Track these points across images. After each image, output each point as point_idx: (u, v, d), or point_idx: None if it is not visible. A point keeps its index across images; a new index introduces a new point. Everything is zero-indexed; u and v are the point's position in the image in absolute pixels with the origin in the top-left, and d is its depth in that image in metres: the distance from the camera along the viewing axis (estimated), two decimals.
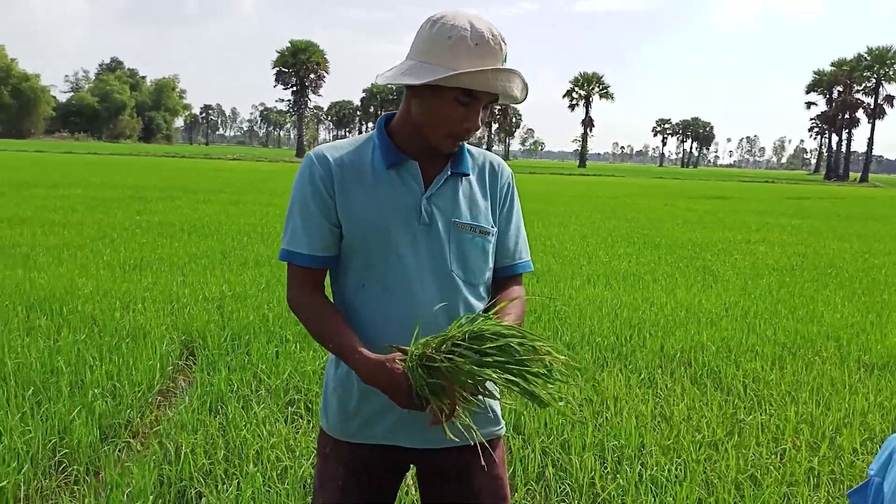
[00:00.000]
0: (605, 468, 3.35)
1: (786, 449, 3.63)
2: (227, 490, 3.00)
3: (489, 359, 1.38)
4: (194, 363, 4.75)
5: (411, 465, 1.75)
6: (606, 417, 3.91)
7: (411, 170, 1.60)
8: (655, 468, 3.33)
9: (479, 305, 1.66)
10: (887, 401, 4.42)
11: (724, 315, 6.56)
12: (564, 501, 3.08)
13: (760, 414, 4.12)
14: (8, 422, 3.43)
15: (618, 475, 3.25)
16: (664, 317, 6.32)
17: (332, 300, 1.68)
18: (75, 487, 3.07)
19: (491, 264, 1.70)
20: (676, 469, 3.33)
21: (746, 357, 5.22)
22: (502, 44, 1.52)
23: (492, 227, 1.68)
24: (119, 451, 3.40)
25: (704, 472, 3.33)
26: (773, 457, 3.56)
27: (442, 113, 1.53)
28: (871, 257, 11.35)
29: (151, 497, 2.91)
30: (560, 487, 3.16)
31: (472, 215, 1.64)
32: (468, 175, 1.66)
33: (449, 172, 1.63)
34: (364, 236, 1.59)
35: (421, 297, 1.57)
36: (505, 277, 1.75)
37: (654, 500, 3.04)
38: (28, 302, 5.81)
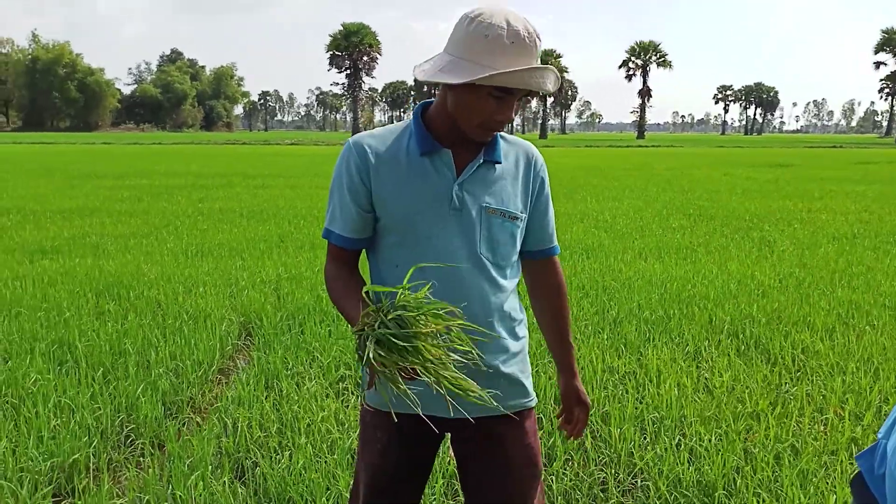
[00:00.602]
0: (645, 439, 3.42)
1: (829, 419, 3.62)
2: (279, 461, 3.18)
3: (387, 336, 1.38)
4: (251, 343, 4.98)
5: (447, 434, 1.86)
6: (648, 390, 3.96)
7: (444, 157, 1.69)
8: (694, 438, 3.38)
9: (505, 284, 1.76)
10: None
11: (778, 286, 6.48)
12: (603, 471, 3.16)
13: (806, 385, 4.11)
14: (80, 400, 3.69)
15: (656, 445, 3.31)
16: (714, 289, 6.28)
17: (368, 277, 1.79)
18: (141, 459, 3.29)
19: (518, 247, 1.79)
20: (716, 439, 3.37)
21: (797, 328, 5.17)
22: (537, 41, 1.58)
23: (521, 212, 1.76)
24: (182, 425, 3.63)
25: (744, 442, 3.36)
26: (816, 426, 3.57)
27: (477, 107, 1.60)
28: None
29: (210, 467, 3.11)
30: (599, 457, 3.25)
31: (502, 201, 1.72)
32: (500, 163, 1.74)
33: (482, 160, 1.71)
34: (398, 220, 1.68)
35: (450, 277, 1.66)
36: (537, 260, 1.87)
37: (690, 468, 3.10)
38: (97, 288, 6.15)
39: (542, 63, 1.60)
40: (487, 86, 1.56)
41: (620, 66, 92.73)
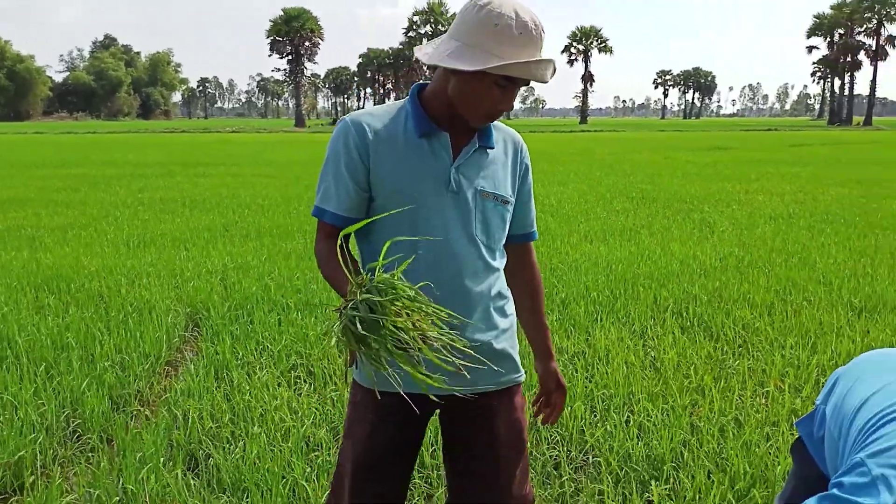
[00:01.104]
0: (595, 416, 3.49)
1: (770, 392, 3.76)
2: (233, 451, 3.15)
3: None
4: (199, 334, 4.90)
5: (436, 411, 1.88)
6: (598, 369, 4.04)
7: (442, 140, 1.71)
8: (643, 414, 3.47)
9: (496, 264, 1.81)
10: (874, 342, 4.54)
11: (718, 266, 6.67)
12: (555, 448, 3.22)
13: (747, 360, 4.25)
14: (22, 396, 3.59)
15: (606, 422, 3.39)
16: (658, 269, 6.43)
17: (361, 259, 1.81)
18: (90, 454, 3.22)
19: (507, 231, 1.85)
20: (663, 415, 3.47)
21: (737, 305, 5.34)
22: (542, 33, 1.61)
23: (511, 197, 1.82)
24: (130, 419, 3.56)
25: (690, 417, 3.47)
26: (757, 399, 3.70)
27: (483, 95, 1.62)
28: (869, 201, 11.40)
29: (162, 460, 3.07)
30: (550, 436, 3.31)
31: (495, 185, 1.77)
32: (493, 148, 1.78)
33: (476, 145, 1.75)
34: (395, 199, 1.69)
35: (446, 258, 1.71)
36: (520, 244, 1.93)
37: (640, 443, 3.18)
38: (36, 282, 5.96)
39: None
40: (494, 75, 1.58)
41: (563, 52, 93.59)
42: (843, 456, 1.36)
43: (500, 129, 1.84)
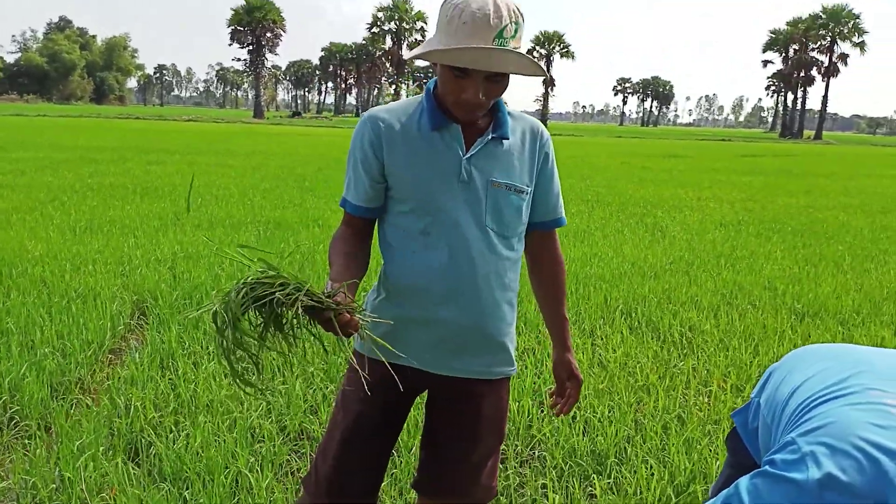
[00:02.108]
0: (542, 412, 3.52)
1: (712, 391, 3.84)
2: (175, 440, 3.10)
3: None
4: (146, 322, 4.81)
5: (426, 390, 1.96)
6: (546, 365, 4.08)
7: (454, 132, 1.75)
8: (589, 411, 3.51)
9: (509, 254, 1.83)
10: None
11: (668, 269, 6.79)
12: (503, 443, 3.23)
13: (692, 360, 4.34)
14: None
15: (553, 418, 3.42)
16: (610, 271, 6.52)
17: (379, 243, 1.90)
18: (27, 441, 3.14)
19: (525, 219, 1.87)
20: (609, 411, 3.52)
21: (685, 307, 5.44)
22: (507, 22, 1.58)
23: (527, 186, 1.83)
24: (70, 407, 3.47)
25: (635, 414, 3.52)
26: (700, 398, 3.78)
27: (444, 84, 1.68)
28: (815, 212, 11.72)
29: (102, 448, 3.00)
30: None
31: (508, 175, 1.79)
32: (508, 138, 1.80)
33: (490, 136, 1.77)
34: (408, 191, 1.77)
35: (456, 244, 1.75)
36: (544, 231, 1.95)
37: (585, 438, 3.22)
38: None
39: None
40: (448, 65, 1.62)
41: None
42: (776, 439, 1.41)
43: (519, 119, 1.87)
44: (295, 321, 1.51)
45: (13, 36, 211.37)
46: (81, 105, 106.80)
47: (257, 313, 1.46)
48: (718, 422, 3.48)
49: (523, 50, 1.63)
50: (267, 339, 1.49)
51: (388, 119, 1.78)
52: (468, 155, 1.76)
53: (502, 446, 3.15)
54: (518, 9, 1.62)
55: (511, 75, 1.68)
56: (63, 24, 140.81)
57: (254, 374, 1.54)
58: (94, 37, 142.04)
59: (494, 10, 1.56)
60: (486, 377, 1.88)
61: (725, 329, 4.94)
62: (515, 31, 1.60)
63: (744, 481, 1.22)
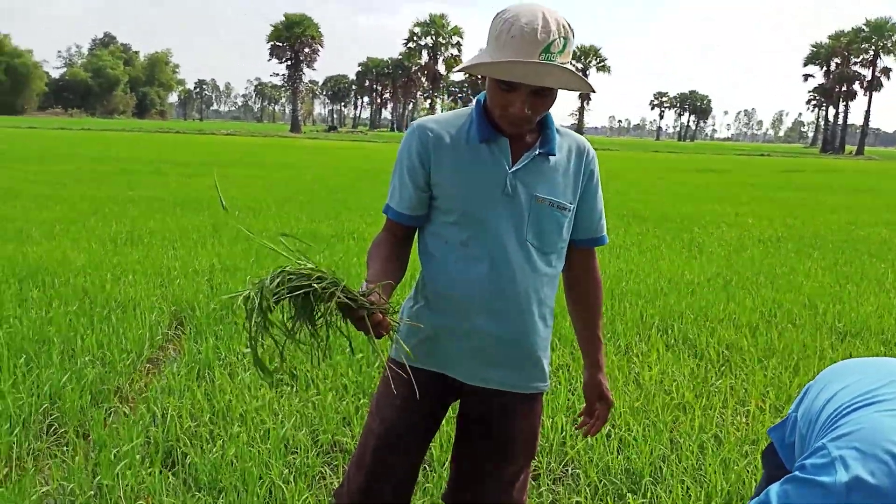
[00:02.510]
0: (576, 429, 3.48)
1: (750, 411, 3.77)
2: (211, 450, 3.13)
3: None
4: (183, 332, 4.87)
5: (458, 400, 1.96)
6: (581, 382, 4.03)
7: (501, 145, 1.76)
8: (624, 429, 3.47)
9: (547, 270, 1.84)
10: None
11: (706, 285, 6.69)
12: (536, 459, 3.21)
13: (730, 378, 4.26)
14: (1, 387, 3.55)
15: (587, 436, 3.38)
16: (646, 287, 6.45)
17: (419, 251, 1.92)
18: (66, 448, 3.19)
19: (566, 236, 1.87)
20: (644, 430, 3.47)
21: (723, 325, 5.35)
22: (555, 38, 1.57)
23: (570, 203, 1.84)
24: (108, 415, 3.52)
25: (670, 433, 3.47)
26: (738, 417, 3.71)
27: (492, 97, 1.69)
28: (857, 229, 11.48)
29: (139, 456, 3.04)
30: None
31: (552, 191, 1.79)
32: (554, 154, 1.80)
33: (537, 151, 1.78)
34: (453, 201, 1.78)
35: (497, 257, 1.76)
36: (585, 249, 1.95)
37: (620, 457, 3.18)
38: (20, 275, 5.92)
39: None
40: (495, 78, 1.64)
41: None
42: (808, 447, 1.41)
43: (566, 136, 1.87)
44: (327, 317, 1.51)
45: (59, 52, 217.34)
46: (124, 119, 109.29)
47: (290, 303, 1.47)
48: (756, 442, 3.40)
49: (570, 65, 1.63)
50: (296, 330, 1.50)
51: (436, 129, 1.80)
52: (514, 169, 1.76)
53: (534, 463, 3.13)
54: (568, 24, 1.62)
55: (556, 93, 1.68)
56: (107, 41, 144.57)
57: (276, 362, 1.56)
58: (136, 52, 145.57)
59: (543, 24, 1.56)
60: (520, 391, 1.88)
61: (764, 348, 4.85)
62: (564, 47, 1.60)
63: (774, 487, 1.23)
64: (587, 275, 1.98)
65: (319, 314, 1.50)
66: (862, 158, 62.71)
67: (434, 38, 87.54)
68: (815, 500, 1.14)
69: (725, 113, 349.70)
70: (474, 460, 1.94)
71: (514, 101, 1.64)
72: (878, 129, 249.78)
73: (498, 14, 1.64)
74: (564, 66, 1.58)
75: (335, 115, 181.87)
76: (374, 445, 1.89)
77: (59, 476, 2.89)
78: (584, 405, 2.03)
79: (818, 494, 1.14)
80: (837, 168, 37.91)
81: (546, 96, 1.66)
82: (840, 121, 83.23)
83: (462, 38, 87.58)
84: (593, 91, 1.70)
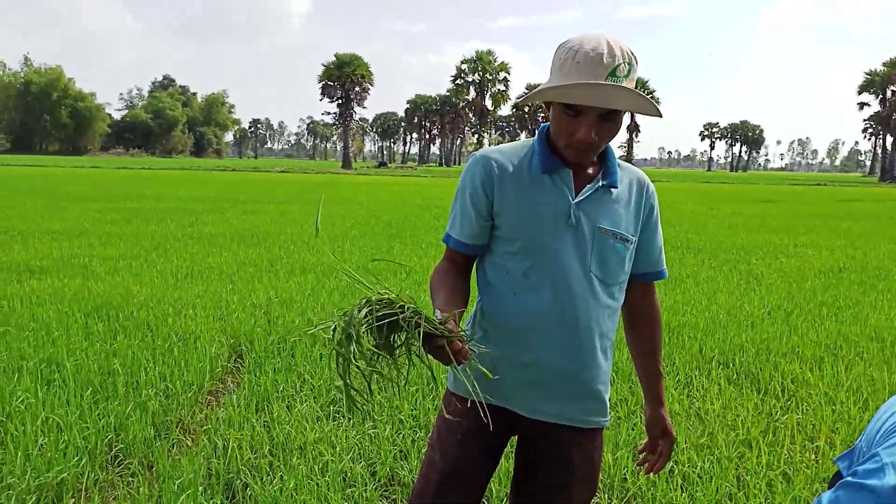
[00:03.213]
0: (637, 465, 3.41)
1: (819, 447, 3.64)
2: (271, 482, 3.15)
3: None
4: (242, 365, 4.95)
5: (517, 435, 1.94)
6: (640, 417, 3.96)
7: (564, 177, 1.77)
8: (687, 465, 3.38)
9: (609, 302, 1.83)
10: None
11: (766, 318, 6.53)
12: (596, 496, 3.15)
13: (796, 413, 4.12)
14: (67, 419, 3.65)
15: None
16: (704, 319, 6.31)
17: (477, 281, 1.92)
18: (130, 479, 3.25)
19: (627, 269, 1.86)
20: (709, 466, 3.37)
21: (786, 358, 5.20)
22: (618, 60, 1.59)
23: (632, 236, 1.83)
24: (171, 446, 3.58)
25: (736, 469, 3.36)
26: (807, 454, 3.58)
27: (558, 125, 1.69)
28: None
29: (201, 488, 3.08)
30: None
31: (615, 223, 1.79)
32: (616, 187, 1.81)
33: (600, 183, 1.79)
34: (515, 231, 1.78)
35: (560, 287, 1.75)
36: (645, 283, 1.96)
37: (684, 494, 3.09)
38: (86, 309, 6.11)
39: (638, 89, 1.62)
40: (559, 103, 1.65)
41: None
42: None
43: (627, 170, 1.87)
44: (406, 346, 1.50)
45: (121, 94, 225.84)
46: (182, 158, 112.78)
47: (373, 335, 1.47)
48: (827, 480, 3.28)
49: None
50: (376, 362, 1.50)
51: (499, 159, 1.80)
52: (577, 200, 1.76)
53: (595, 499, 3.06)
54: (632, 52, 1.63)
55: (621, 121, 1.69)
56: (167, 83, 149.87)
57: (365, 394, 1.55)
58: (194, 94, 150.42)
59: (608, 50, 1.58)
60: (580, 425, 1.85)
61: (830, 382, 4.69)
62: (629, 72, 1.60)
63: (827, 494, 1.24)
64: (647, 308, 1.97)
65: (399, 343, 1.50)
66: None
67: (481, 74, 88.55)
68: (864, 503, 1.16)
69: (778, 143, 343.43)
70: (533, 496, 1.91)
71: (581, 127, 1.64)
72: None
73: (561, 45, 1.66)
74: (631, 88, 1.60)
75: (384, 152, 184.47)
76: (436, 480, 1.87)
77: None
78: (646, 441, 1.99)
79: (867, 498, 1.15)
80: None
81: (612, 122, 1.66)
82: None
83: (509, 73, 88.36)
84: (660, 115, 1.68)
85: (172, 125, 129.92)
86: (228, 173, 50.03)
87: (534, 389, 1.80)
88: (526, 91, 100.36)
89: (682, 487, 3.17)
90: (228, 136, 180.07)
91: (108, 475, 3.28)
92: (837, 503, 1.20)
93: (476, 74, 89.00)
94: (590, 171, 1.80)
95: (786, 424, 3.95)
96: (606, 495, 3.14)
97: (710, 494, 3.06)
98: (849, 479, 1.20)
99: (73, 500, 3.03)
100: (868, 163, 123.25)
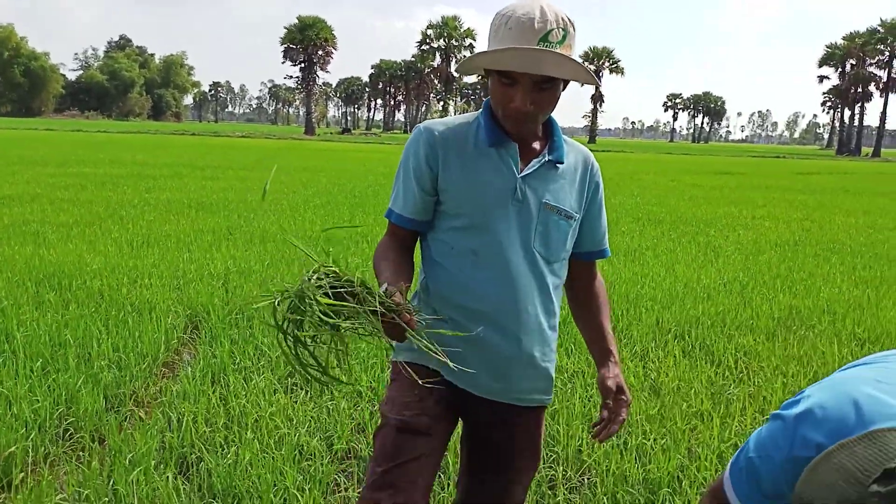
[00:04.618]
0: (592, 437, 3.45)
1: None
2: (226, 456, 3.12)
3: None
4: (198, 336, 4.88)
5: (465, 411, 1.89)
6: (596, 388, 4.00)
7: (510, 150, 1.73)
8: (640, 437, 3.43)
9: (553, 280, 1.81)
10: None
11: (722, 290, 6.63)
12: (552, 468, 3.19)
13: (748, 386, 4.21)
14: (17, 391, 3.56)
15: (604, 443, 3.35)
16: (662, 291, 6.40)
17: (422, 256, 1.89)
18: (81, 453, 3.20)
19: (569, 247, 1.84)
20: (663, 439, 3.43)
21: (740, 331, 5.30)
22: (554, 28, 1.55)
23: (576, 213, 1.81)
24: (123, 419, 3.53)
25: (688, 442, 3.42)
26: (757, 426, 3.66)
27: (494, 93, 1.66)
28: (875, 232, 11.35)
29: (154, 462, 3.03)
30: (549, 455, 3.27)
31: (560, 199, 1.77)
32: (562, 162, 1.78)
33: (546, 158, 1.76)
34: (460, 205, 1.74)
35: (504, 265, 1.73)
36: (588, 261, 1.94)
37: (637, 466, 3.14)
38: (37, 277, 5.95)
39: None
40: (494, 71, 1.62)
41: None
42: None
43: (572, 146, 1.85)
44: (353, 320, 1.47)
45: (75, 54, 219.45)
46: (139, 121, 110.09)
47: (317, 308, 1.43)
48: None
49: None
50: (320, 337, 1.49)
51: (444, 132, 1.76)
52: (523, 174, 1.73)
53: (550, 472, 3.10)
54: (568, 17, 1.59)
55: (561, 90, 1.66)
56: (123, 43, 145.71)
57: (320, 367, 1.53)
58: (152, 55, 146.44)
59: (540, 14, 1.54)
60: (524, 404, 1.84)
61: (782, 355, 4.79)
62: (563, 38, 1.57)
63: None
64: (591, 283, 1.96)
65: (345, 317, 1.46)
66: (878, 160, 62.12)
67: (447, 40, 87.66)
68: (775, 432, 1.19)
69: (739, 114, 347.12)
70: (480, 468, 1.92)
71: (515, 96, 1.61)
72: (893, 131, 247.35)
73: (497, 13, 1.63)
74: (563, 54, 1.55)
75: (348, 118, 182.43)
76: (395, 429, 1.74)
77: (75, 482, 2.89)
78: (602, 403, 1.88)
79: (779, 427, 1.19)
80: (854, 170, 37.57)
81: (547, 90, 1.62)
82: (856, 122, 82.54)
83: (475, 40, 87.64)
84: (595, 82, 1.65)
85: (129, 87, 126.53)
86: (188, 137, 49.04)
87: (480, 366, 1.76)
88: None
89: (636, 459, 3.22)
90: (188, 100, 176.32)
91: (57, 449, 3.22)
92: (759, 436, 1.24)
93: (442, 40, 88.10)
94: (535, 145, 1.77)
95: (738, 397, 4.03)
96: (562, 468, 3.17)
97: (664, 467, 3.11)
98: (774, 412, 1.25)
99: (23, 474, 2.96)
100: (826, 136, 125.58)
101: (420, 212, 1.79)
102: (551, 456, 3.27)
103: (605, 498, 2.93)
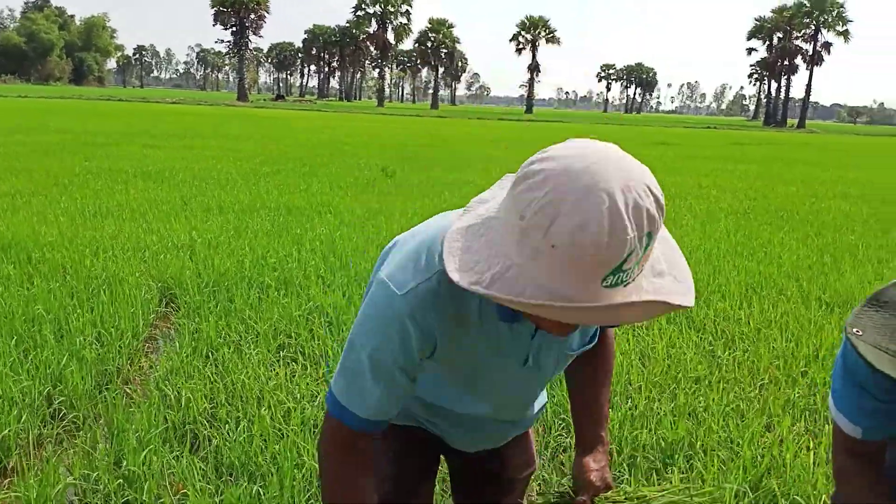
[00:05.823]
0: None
1: (763, 383, 3.82)
2: (236, 431, 3.02)
3: None
4: (175, 310, 4.71)
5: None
6: None
7: (525, 323, 1.31)
8: (646, 402, 3.48)
9: (541, 392, 1.68)
10: None
11: (689, 257, 6.75)
12: (562, 435, 3.20)
13: (734, 351, 4.31)
14: (2, 370, 3.37)
15: (612, 410, 3.38)
16: None
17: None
18: (77, 433, 3.05)
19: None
20: (669, 406, 3.48)
21: (715, 297, 5.42)
22: (629, 247, 0.95)
23: (577, 348, 1.53)
24: (121, 398, 3.37)
25: (692, 406, 3.49)
26: (753, 390, 3.76)
27: (534, 320, 1.19)
28: (818, 201, 11.77)
29: (160, 440, 2.92)
30: (559, 424, 3.29)
31: (569, 346, 1.47)
32: None
33: None
34: (458, 371, 1.44)
35: (501, 396, 1.52)
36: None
37: (644, 431, 3.18)
38: None
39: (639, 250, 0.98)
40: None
41: (511, 40, 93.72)
42: None
43: None
44: None
45: None
46: (60, 86, 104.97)
47: None
48: (779, 415, 3.45)
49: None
50: None
51: (436, 317, 1.27)
52: (537, 342, 1.39)
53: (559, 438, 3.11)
54: (654, 192, 1.02)
55: None
56: (41, 4, 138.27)
57: None
58: (72, 16, 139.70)
59: (609, 231, 0.94)
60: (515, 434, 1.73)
61: (760, 319, 4.93)
62: (647, 246, 0.98)
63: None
64: (594, 347, 1.58)
65: None
66: (804, 131, 64.40)
67: (383, 6, 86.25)
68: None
69: (669, 86, 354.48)
70: (472, 487, 1.85)
71: (553, 329, 1.20)
72: (816, 103, 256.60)
73: (524, 185, 1.01)
74: (645, 293, 1.02)
75: (281, 84, 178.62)
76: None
77: (81, 465, 2.75)
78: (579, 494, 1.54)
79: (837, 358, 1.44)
80: (782, 141, 38.85)
81: None
82: (782, 94, 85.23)
83: (412, 6, 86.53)
84: (690, 306, 1.06)
85: (48, 50, 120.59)
86: (115, 103, 47.12)
87: (473, 441, 1.66)
88: (429, 26, 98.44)
89: (643, 426, 3.26)
90: (111, 64, 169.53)
91: (52, 430, 3.06)
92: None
93: (378, 6, 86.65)
94: None
95: (727, 361, 4.13)
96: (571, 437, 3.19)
97: (672, 431, 3.16)
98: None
99: (18, 457, 2.81)
100: (752, 107, 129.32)
101: (395, 408, 1.35)
102: (561, 424, 3.29)
103: (624, 464, 2.96)
